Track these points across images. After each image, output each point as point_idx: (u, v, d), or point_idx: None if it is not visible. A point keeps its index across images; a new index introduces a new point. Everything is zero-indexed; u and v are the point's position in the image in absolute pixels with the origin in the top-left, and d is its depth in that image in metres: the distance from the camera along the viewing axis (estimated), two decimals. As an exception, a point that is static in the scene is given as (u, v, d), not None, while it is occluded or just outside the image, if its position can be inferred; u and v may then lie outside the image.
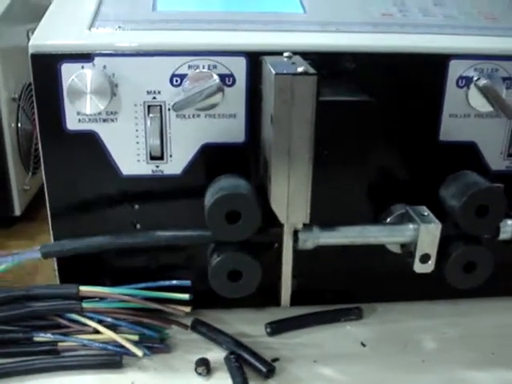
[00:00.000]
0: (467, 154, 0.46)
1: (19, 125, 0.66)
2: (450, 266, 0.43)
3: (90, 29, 0.43)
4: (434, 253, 0.43)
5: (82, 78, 0.40)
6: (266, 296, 0.46)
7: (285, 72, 0.35)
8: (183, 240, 0.43)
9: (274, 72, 0.36)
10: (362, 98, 0.38)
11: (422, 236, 0.42)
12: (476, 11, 0.51)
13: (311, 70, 0.36)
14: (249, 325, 0.48)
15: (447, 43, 0.45)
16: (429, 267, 0.43)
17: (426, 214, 0.44)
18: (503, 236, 0.44)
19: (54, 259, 0.48)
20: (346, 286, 0.50)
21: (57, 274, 0.48)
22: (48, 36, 0.42)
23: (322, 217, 0.41)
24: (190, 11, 0.47)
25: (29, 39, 0.63)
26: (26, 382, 0.42)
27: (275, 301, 0.46)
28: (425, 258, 0.43)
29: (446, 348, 0.47)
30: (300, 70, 0.35)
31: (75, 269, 0.47)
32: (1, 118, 0.61)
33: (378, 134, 0.42)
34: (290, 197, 0.38)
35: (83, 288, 0.44)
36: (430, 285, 0.47)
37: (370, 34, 0.45)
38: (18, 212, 0.66)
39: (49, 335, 0.44)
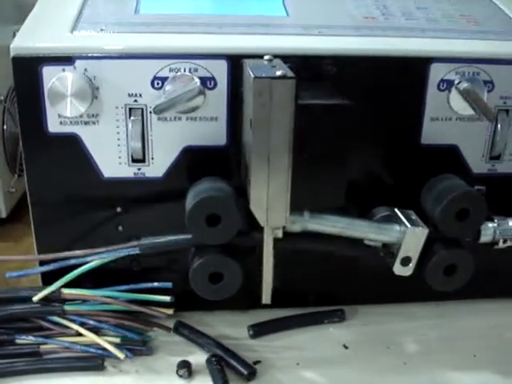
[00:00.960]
0: (449, 157, 0.47)
1: (5, 127, 0.66)
2: (430, 269, 0.43)
3: (71, 31, 0.43)
4: (415, 257, 0.43)
5: (63, 80, 0.40)
6: (249, 298, 0.46)
7: (263, 75, 0.36)
8: (165, 246, 0.43)
9: (252, 75, 0.36)
10: (341, 101, 0.38)
11: (407, 238, 0.42)
12: (458, 14, 0.51)
13: (290, 74, 0.36)
14: (231, 327, 0.48)
15: (429, 46, 0.45)
16: (408, 270, 0.43)
17: (413, 217, 0.44)
18: (484, 239, 0.44)
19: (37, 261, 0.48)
20: (328, 288, 0.50)
21: (40, 276, 0.48)
22: (29, 39, 0.42)
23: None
24: (172, 14, 0.47)
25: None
26: (7, 385, 0.42)
27: (258, 303, 0.46)
28: (406, 261, 0.43)
29: (427, 350, 0.47)
30: (279, 73, 0.36)
31: (58, 271, 0.47)
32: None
33: (358, 137, 0.42)
34: (270, 200, 0.38)
35: (65, 290, 0.44)
36: (411, 287, 0.47)
37: (352, 38, 0.45)
38: (3, 214, 0.66)
39: (31, 338, 0.45)
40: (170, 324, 0.47)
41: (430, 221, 0.44)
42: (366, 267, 0.49)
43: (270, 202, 0.38)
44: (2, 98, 0.64)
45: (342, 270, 0.49)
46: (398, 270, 0.43)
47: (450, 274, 0.44)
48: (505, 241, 0.44)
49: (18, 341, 0.44)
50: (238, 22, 0.46)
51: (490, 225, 0.44)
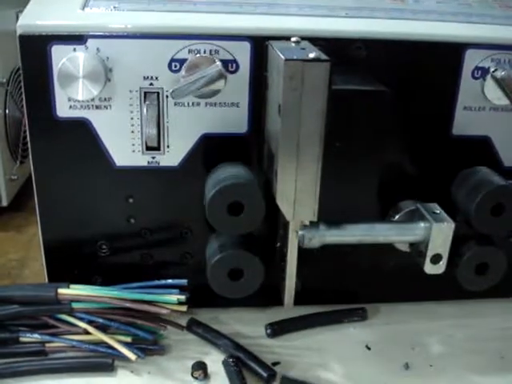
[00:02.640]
0: (480, 149, 0.44)
1: (7, 111, 0.63)
2: (462, 268, 0.41)
3: (83, 8, 0.40)
4: (446, 253, 0.41)
5: (74, 61, 0.37)
6: (266, 295, 0.43)
7: (295, 58, 0.33)
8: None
9: (283, 58, 0.33)
10: (376, 87, 0.36)
11: (433, 235, 0.40)
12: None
13: (323, 56, 0.33)
14: (247, 325, 0.46)
15: (463, 31, 0.42)
16: (440, 268, 0.41)
17: (437, 211, 0.41)
18: (519, 235, 0.42)
19: (42, 253, 0.45)
20: (349, 286, 0.48)
21: (45, 270, 0.45)
22: (37, 16, 0.39)
23: (329, 210, 0.38)
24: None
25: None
26: (11, 386, 0.40)
27: (275, 300, 0.44)
28: (436, 259, 0.41)
29: (453, 351, 0.45)
30: (311, 55, 0.33)
31: (64, 265, 0.44)
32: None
33: (389, 126, 0.39)
34: (298, 193, 0.36)
35: (62, 291, 0.41)
36: (435, 285, 0.45)
37: (382, 20, 0.42)
38: (4, 202, 0.64)
39: (36, 335, 0.42)
40: (183, 321, 0.45)
41: (462, 215, 0.41)
42: (388, 264, 0.47)
43: (298, 196, 0.36)
44: (5, 80, 0.61)
45: (363, 268, 0.47)
46: (430, 268, 0.41)
47: (482, 272, 0.41)
48: (540, 238, 0.41)
49: (22, 339, 0.42)
50: (259, 1, 0.43)
51: (525, 222, 0.42)
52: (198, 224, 0.43)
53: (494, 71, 0.41)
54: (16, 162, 0.65)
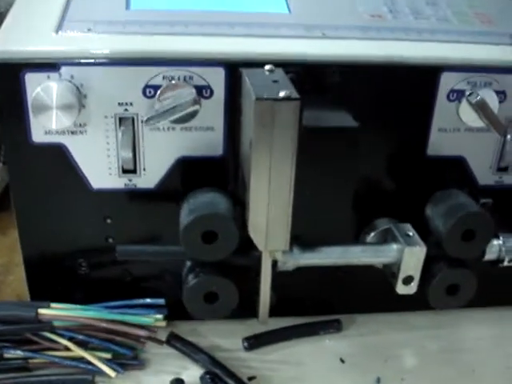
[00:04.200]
0: (455, 169, 0.44)
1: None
2: (432, 288, 0.42)
3: (57, 31, 0.40)
4: (417, 275, 0.42)
5: (47, 91, 0.37)
6: (243, 307, 0.44)
7: (265, 97, 0.33)
8: (161, 256, 0.41)
9: (254, 96, 0.33)
10: (347, 123, 0.36)
11: (405, 258, 0.41)
12: (472, 12, 0.48)
13: (294, 94, 0.33)
14: (225, 338, 0.47)
15: (439, 52, 0.42)
16: (412, 289, 0.42)
17: (410, 234, 0.42)
18: (488, 257, 0.43)
19: (23, 269, 0.46)
20: (325, 297, 0.49)
21: (26, 285, 0.46)
22: (10, 41, 0.39)
23: (305, 228, 0.39)
24: (165, 10, 0.44)
25: None
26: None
27: (252, 312, 0.45)
28: (408, 280, 0.42)
29: (425, 364, 0.46)
30: (282, 94, 0.33)
31: (45, 281, 0.45)
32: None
33: (364, 147, 0.40)
34: (270, 225, 0.36)
35: (42, 311, 0.42)
36: (410, 295, 0.46)
37: (358, 41, 0.42)
38: None
39: (19, 352, 0.43)
40: (163, 334, 0.46)
41: (434, 237, 0.42)
42: (363, 275, 0.47)
43: (270, 227, 0.36)
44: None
45: (338, 279, 0.47)
46: (401, 289, 0.42)
47: (452, 293, 0.42)
48: (510, 260, 0.42)
49: (6, 355, 0.43)
50: (236, 20, 0.43)
51: (496, 242, 0.43)
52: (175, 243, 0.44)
53: (469, 95, 0.41)
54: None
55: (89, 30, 0.41)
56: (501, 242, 0.43)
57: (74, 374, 0.43)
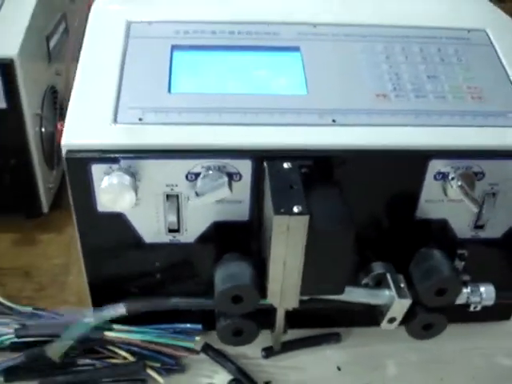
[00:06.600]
0: (439, 228, 0.54)
1: (42, 129, 0.71)
2: (412, 326, 0.53)
3: (114, 121, 0.49)
4: (400, 318, 0.53)
5: (111, 185, 0.47)
6: (262, 321, 0.56)
7: (283, 211, 0.43)
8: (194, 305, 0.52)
9: (273, 211, 0.43)
10: (345, 225, 0.45)
11: (394, 306, 0.52)
12: (465, 86, 0.55)
13: (305, 209, 0.43)
14: (248, 347, 0.59)
15: (430, 141, 0.50)
16: (394, 326, 0.53)
17: (402, 285, 0.52)
18: (458, 302, 0.53)
19: (81, 269, 0.56)
20: (327, 314, 0.60)
21: (85, 286, 0.57)
22: (77, 134, 0.48)
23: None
24: (200, 94, 0.52)
25: (48, 47, 0.68)
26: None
27: (269, 326, 0.57)
28: (392, 320, 0.53)
29: (405, 373, 0.59)
30: (296, 210, 0.43)
31: (105, 300, 0.57)
32: (26, 130, 0.67)
33: (366, 211, 0.50)
34: (284, 291, 0.47)
35: (108, 333, 0.54)
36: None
37: (363, 129, 0.50)
38: (45, 209, 0.73)
39: (87, 360, 0.56)
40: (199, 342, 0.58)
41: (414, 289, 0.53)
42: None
43: (284, 292, 0.47)
44: (39, 111, 0.70)
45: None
46: (385, 326, 0.53)
47: (428, 329, 0.54)
48: (475, 307, 0.53)
49: (78, 362, 0.56)
50: (260, 105, 0.51)
51: (465, 291, 0.53)
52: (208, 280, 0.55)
53: (452, 179, 0.50)
54: (52, 171, 0.76)
55: (140, 119, 0.49)
56: (469, 290, 0.53)
57: (129, 381, 0.56)
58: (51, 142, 0.75)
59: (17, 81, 0.63)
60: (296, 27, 0.58)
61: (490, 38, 0.59)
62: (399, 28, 0.60)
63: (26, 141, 0.67)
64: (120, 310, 0.52)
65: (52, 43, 0.74)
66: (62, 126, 0.67)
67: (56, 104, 0.77)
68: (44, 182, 0.72)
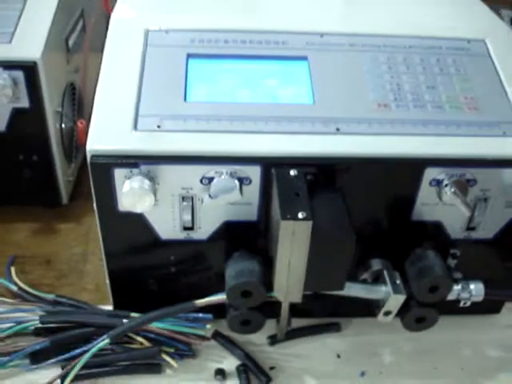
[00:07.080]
0: (433, 229, 0.58)
1: (63, 125, 0.76)
2: (406, 319, 0.58)
3: (135, 128, 0.53)
4: (395, 312, 0.57)
5: (132, 190, 0.51)
6: (268, 311, 0.61)
7: (288, 217, 0.47)
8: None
9: (279, 215, 0.47)
10: (345, 234, 0.49)
11: (390, 301, 0.56)
12: (462, 96, 0.59)
13: (309, 215, 0.47)
14: (255, 335, 0.64)
15: (426, 150, 0.54)
16: (388, 319, 0.58)
17: (397, 282, 0.57)
18: (450, 298, 0.58)
19: (99, 258, 0.61)
20: (329, 305, 0.65)
21: (104, 275, 0.61)
22: (101, 139, 0.52)
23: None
24: (214, 103, 0.56)
25: (68, 46, 0.72)
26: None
27: (274, 315, 0.61)
28: (387, 314, 0.58)
29: (400, 361, 0.63)
30: (300, 216, 0.47)
31: (124, 294, 0.62)
32: (48, 128, 0.71)
33: (367, 213, 0.55)
34: (289, 287, 0.52)
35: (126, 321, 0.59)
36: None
37: (365, 138, 0.54)
38: (65, 201, 0.78)
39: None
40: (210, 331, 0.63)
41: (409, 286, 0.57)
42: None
43: (289, 289, 0.52)
44: (59, 108, 0.74)
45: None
46: (381, 318, 0.58)
47: (421, 322, 0.58)
48: (465, 303, 0.57)
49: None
50: (268, 114, 0.55)
51: (455, 288, 0.57)
52: (219, 274, 0.59)
53: (445, 186, 0.54)
54: (71, 164, 0.80)
55: (158, 126, 0.54)
56: (459, 287, 0.57)
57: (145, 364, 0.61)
58: (70, 136, 0.80)
59: (39, 82, 0.68)
60: (304, 37, 0.62)
61: (488, 49, 0.63)
62: (402, 38, 0.63)
63: (47, 137, 0.72)
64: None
65: (71, 42, 0.78)
66: (82, 123, 0.72)
67: (75, 100, 0.81)
68: (63, 175, 0.77)
